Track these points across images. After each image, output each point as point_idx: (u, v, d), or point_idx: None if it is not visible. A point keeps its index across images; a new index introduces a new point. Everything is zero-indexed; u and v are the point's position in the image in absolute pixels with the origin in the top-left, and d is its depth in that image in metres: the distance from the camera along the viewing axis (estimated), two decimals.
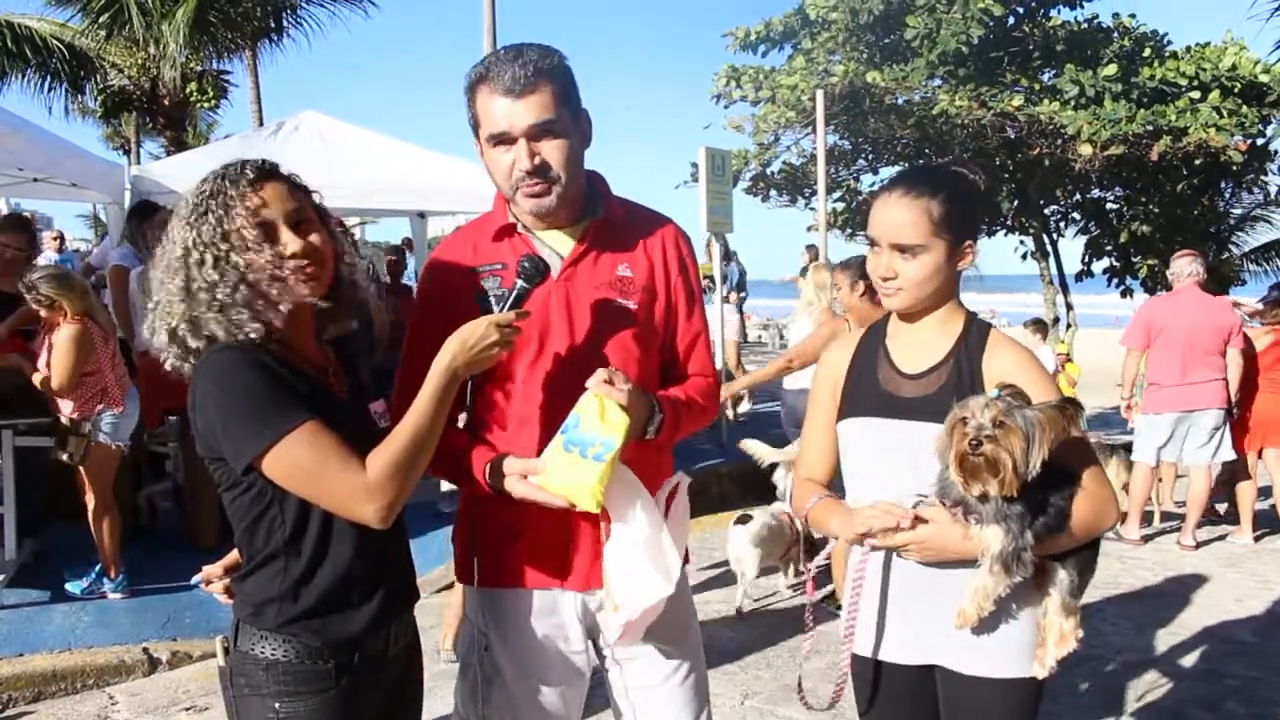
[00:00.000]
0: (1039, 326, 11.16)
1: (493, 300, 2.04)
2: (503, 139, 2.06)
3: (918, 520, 1.97)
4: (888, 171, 14.60)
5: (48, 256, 11.21)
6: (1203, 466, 7.10)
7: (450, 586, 5.29)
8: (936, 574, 2.06)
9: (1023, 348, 2.16)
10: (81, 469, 5.28)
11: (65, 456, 5.21)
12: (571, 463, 1.91)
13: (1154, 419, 7.17)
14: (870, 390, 2.17)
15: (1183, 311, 7.08)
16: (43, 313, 5.18)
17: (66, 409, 5.25)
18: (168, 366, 1.85)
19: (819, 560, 2.43)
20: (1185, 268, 7.21)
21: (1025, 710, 2.12)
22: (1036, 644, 2.08)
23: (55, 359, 5.12)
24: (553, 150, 2.06)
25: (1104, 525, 2.04)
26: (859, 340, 2.28)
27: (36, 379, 5.20)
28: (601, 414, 1.91)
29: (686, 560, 2.29)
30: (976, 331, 2.14)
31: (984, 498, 1.91)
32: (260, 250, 1.82)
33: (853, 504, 2.15)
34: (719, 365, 8.61)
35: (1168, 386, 7.05)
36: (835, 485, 2.27)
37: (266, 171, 1.88)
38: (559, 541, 2.12)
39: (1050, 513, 1.94)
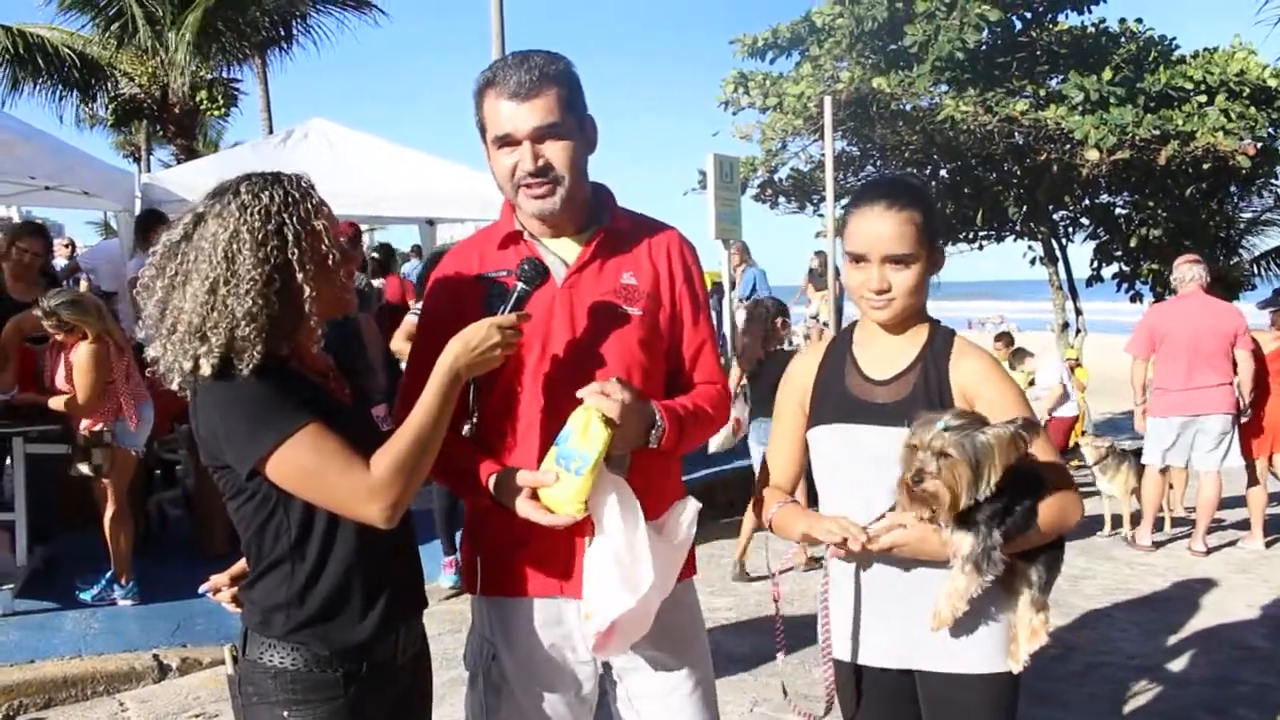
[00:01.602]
0: (1022, 354, 10.68)
1: (496, 304, 2.06)
2: (507, 141, 2.09)
3: (892, 527, 2.03)
4: None
5: (59, 264, 11.25)
6: (1212, 472, 7.08)
7: (459, 594, 5.30)
8: (910, 578, 2.12)
9: (986, 353, 2.23)
10: (104, 477, 5.29)
11: (91, 469, 5.21)
12: (558, 475, 1.95)
13: (1160, 423, 7.17)
14: (839, 397, 2.22)
15: (1186, 317, 7.06)
16: (59, 336, 5.20)
17: (86, 422, 5.26)
18: (174, 386, 1.84)
19: (780, 566, 2.45)
20: (1187, 273, 7.20)
21: (1004, 702, 2.16)
22: (1009, 640, 2.13)
23: (78, 378, 5.16)
24: (556, 152, 2.08)
25: (1069, 523, 2.11)
26: (825, 349, 2.34)
27: (56, 403, 5.22)
28: (585, 428, 1.93)
29: (691, 574, 2.29)
30: (941, 338, 2.20)
31: (933, 519, 1.98)
32: (339, 269, 1.86)
33: (824, 509, 2.21)
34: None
35: (1173, 391, 7.05)
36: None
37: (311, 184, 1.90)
38: (563, 551, 2.11)
39: (1017, 513, 2.01)
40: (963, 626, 2.08)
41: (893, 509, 2.06)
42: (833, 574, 2.22)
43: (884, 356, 2.21)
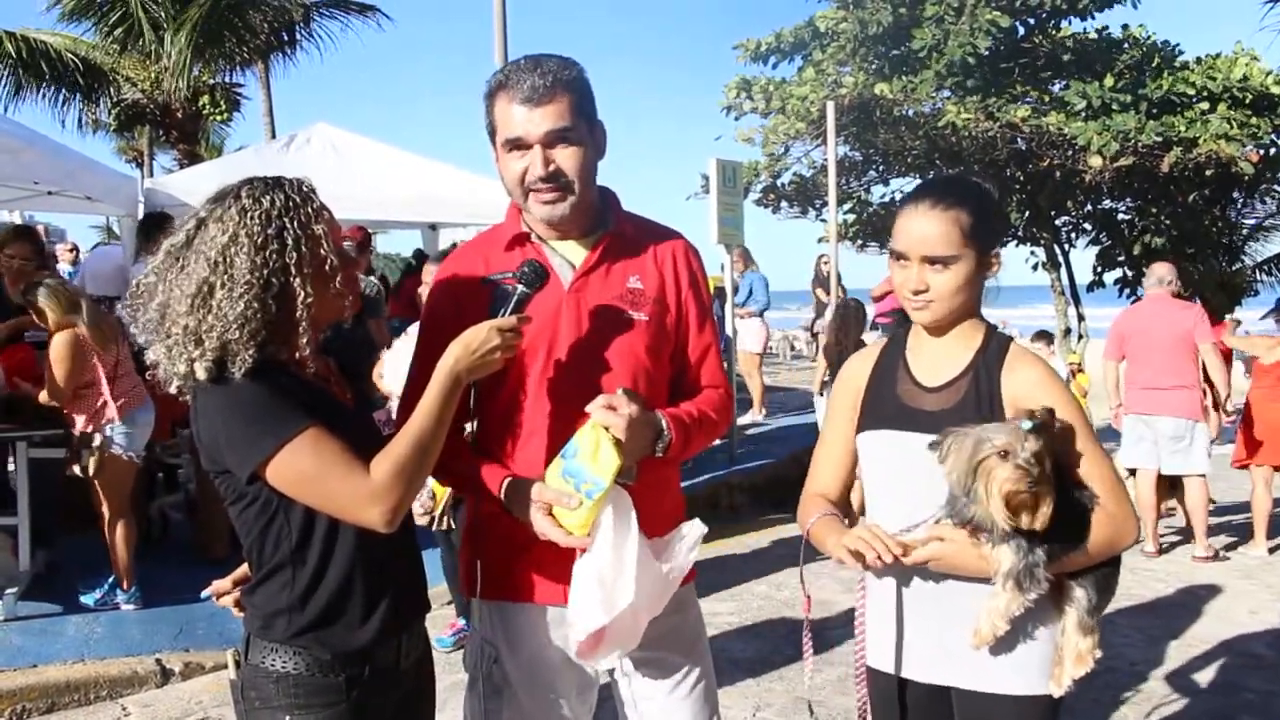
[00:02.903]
0: (1046, 338, 10.94)
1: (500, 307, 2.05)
2: (518, 145, 2.08)
3: (907, 547, 1.96)
4: (898, 183, 14.61)
5: (63, 269, 11.25)
6: (1191, 477, 7.06)
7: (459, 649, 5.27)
8: (950, 593, 2.05)
9: (1042, 362, 2.14)
10: (96, 481, 5.29)
11: (79, 470, 5.22)
12: (581, 500, 1.93)
13: (1124, 420, 7.27)
14: (890, 403, 2.16)
15: (1147, 319, 7.16)
16: (38, 321, 5.28)
17: (79, 422, 5.27)
18: (172, 389, 1.84)
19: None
20: (1153, 275, 7.30)
21: None
22: (1054, 662, 2.06)
23: (52, 366, 5.18)
24: (567, 158, 2.08)
25: (1122, 544, 2.03)
26: (879, 352, 2.27)
27: (44, 395, 5.24)
28: (595, 452, 1.91)
29: (692, 578, 2.27)
30: (996, 344, 2.13)
31: (1018, 530, 1.89)
32: (337, 275, 1.85)
33: (871, 516, 2.15)
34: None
35: (1130, 390, 7.16)
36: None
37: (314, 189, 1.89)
38: (564, 557, 2.09)
39: (1064, 529, 1.93)
40: (1003, 645, 2.01)
41: (937, 520, 2.00)
42: (869, 585, 2.16)
43: (936, 362, 2.14)
